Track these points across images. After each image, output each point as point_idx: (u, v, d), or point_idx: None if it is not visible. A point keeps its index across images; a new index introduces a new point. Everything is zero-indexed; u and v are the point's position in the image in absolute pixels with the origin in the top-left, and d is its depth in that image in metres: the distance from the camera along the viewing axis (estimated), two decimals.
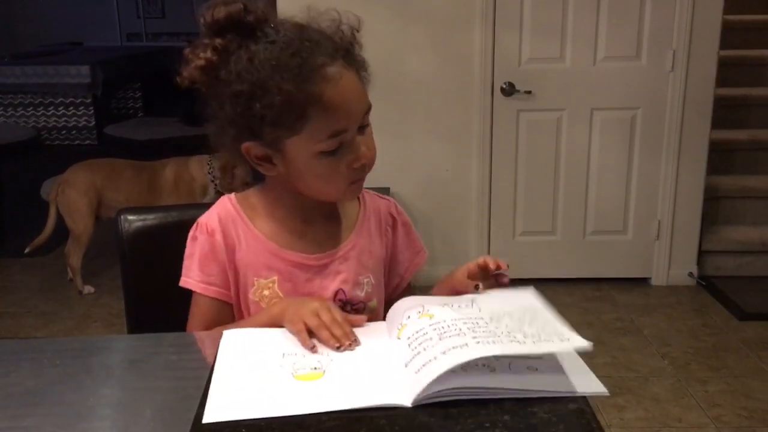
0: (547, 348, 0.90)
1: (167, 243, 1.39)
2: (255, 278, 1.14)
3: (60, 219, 3.45)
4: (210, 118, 1.09)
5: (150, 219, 1.39)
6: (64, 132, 6.78)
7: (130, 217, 1.38)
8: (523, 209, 3.50)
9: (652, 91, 3.32)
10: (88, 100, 6.69)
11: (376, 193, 1.26)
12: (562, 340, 0.91)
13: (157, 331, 1.04)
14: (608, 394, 0.89)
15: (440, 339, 0.91)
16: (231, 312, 1.15)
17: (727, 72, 3.62)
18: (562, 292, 3.40)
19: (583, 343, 0.91)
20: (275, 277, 1.14)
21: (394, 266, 1.27)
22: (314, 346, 0.96)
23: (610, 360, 2.80)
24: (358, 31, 1.10)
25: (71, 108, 6.72)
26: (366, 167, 1.10)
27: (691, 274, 3.52)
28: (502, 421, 0.83)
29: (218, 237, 1.14)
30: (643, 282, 3.57)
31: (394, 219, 1.25)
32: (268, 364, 0.94)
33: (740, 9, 4.16)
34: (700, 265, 3.54)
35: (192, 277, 1.14)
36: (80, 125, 6.76)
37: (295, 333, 0.99)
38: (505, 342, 0.89)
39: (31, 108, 6.72)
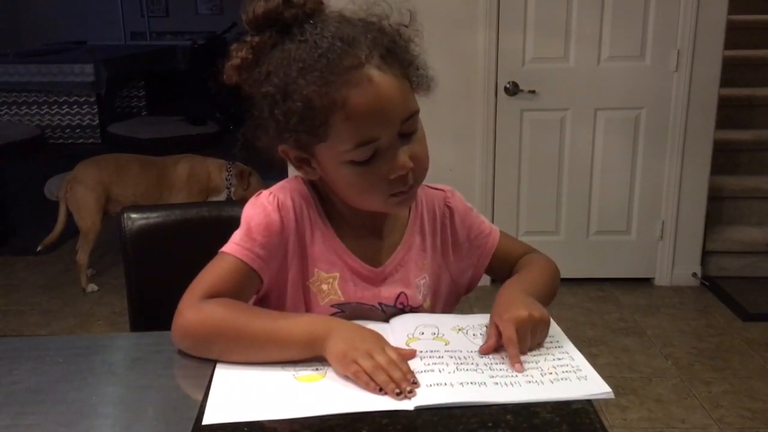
0: (565, 392, 0.88)
1: (170, 241, 1.40)
2: (316, 269, 1.08)
3: (69, 216, 3.46)
4: (249, 118, 1.02)
5: (153, 217, 1.39)
6: (68, 130, 6.80)
7: (133, 216, 1.38)
8: (526, 209, 3.50)
9: (656, 91, 3.32)
10: (92, 99, 6.71)
11: (429, 184, 1.16)
12: (579, 378, 0.91)
13: (159, 330, 1.03)
14: (613, 397, 0.89)
15: (457, 369, 0.91)
16: (253, 286, 1.05)
17: (732, 72, 3.61)
18: (566, 292, 3.40)
19: (599, 388, 0.89)
20: (337, 274, 1.08)
21: (464, 257, 1.19)
22: (382, 389, 0.86)
23: (613, 360, 2.79)
24: (406, 26, 1.02)
25: (75, 106, 6.74)
26: (408, 178, 1.00)
27: (694, 275, 3.52)
28: (504, 421, 0.83)
29: (290, 214, 1.06)
30: (646, 282, 3.56)
31: (450, 209, 1.18)
32: (269, 365, 0.94)
33: (745, 9, 4.15)
34: (703, 266, 3.53)
35: (236, 241, 1.04)
36: (84, 124, 6.78)
37: (353, 377, 0.89)
38: (523, 383, 0.89)
39: (35, 106, 6.74)
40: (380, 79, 0.95)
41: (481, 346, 0.97)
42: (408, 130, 0.98)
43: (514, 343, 0.94)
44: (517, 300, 1.01)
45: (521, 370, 0.92)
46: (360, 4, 1.01)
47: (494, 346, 0.96)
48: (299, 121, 0.96)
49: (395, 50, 0.99)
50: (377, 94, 0.94)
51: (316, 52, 0.94)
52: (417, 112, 0.99)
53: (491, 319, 1.00)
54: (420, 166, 1.01)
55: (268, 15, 0.98)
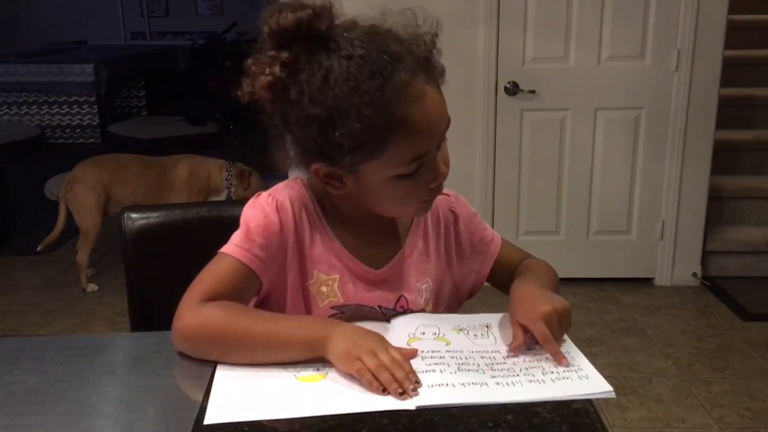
0: (566, 391, 0.88)
1: (171, 241, 1.40)
2: (315, 271, 1.07)
3: (69, 216, 3.47)
4: (270, 131, 0.99)
5: (153, 217, 1.39)
6: (68, 130, 6.81)
7: (134, 216, 1.38)
8: (526, 209, 3.50)
9: (656, 91, 3.32)
10: (92, 99, 6.72)
11: None
12: (581, 378, 0.91)
13: (160, 330, 1.03)
14: (614, 396, 0.89)
15: (458, 369, 0.92)
16: (253, 288, 1.04)
17: (732, 72, 3.61)
18: (566, 292, 3.36)
19: (600, 388, 0.89)
20: (336, 276, 1.08)
21: (466, 263, 1.19)
22: (385, 389, 0.86)
23: (613, 360, 2.79)
24: (437, 36, 1.01)
25: (75, 106, 6.74)
26: (441, 185, 1.02)
27: (694, 275, 3.52)
28: (505, 421, 0.83)
29: (288, 216, 1.05)
30: (646, 282, 3.56)
31: (455, 214, 1.17)
32: (271, 365, 0.94)
33: (745, 9, 4.15)
34: (704, 266, 3.53)
35: (235, 242, 1.03)
36: (84, 124, 6.79)
37: (357, 375, 0.89)
38: (525, 383, 0.89)
39: (36, 106, 6.74)
40: (430, 92, 0.95)
41: (510, 345, 0.97)
42: (443, 137, 1.00)
43: (551, 340, 0.95)
44: (537, 296, 1.01)
45: (568, 363, 0.93)
46: (385, 16, 0.98)
47: (522, 343, 0.97)
48: (357, 144, 0.93)
49: (433, 61, 0.99)
50: (431, 107, 0.95)
51: (368, 68, 0.91)
52: (450, 120, 1.00)
53: (513, 318, 1.00)
54: (448, 170, 1.03)
55: (298, 28, 0.92)
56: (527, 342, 0.97)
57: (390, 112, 0.91)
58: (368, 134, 0.92)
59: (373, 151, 0.94)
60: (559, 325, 0.98)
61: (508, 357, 0.96)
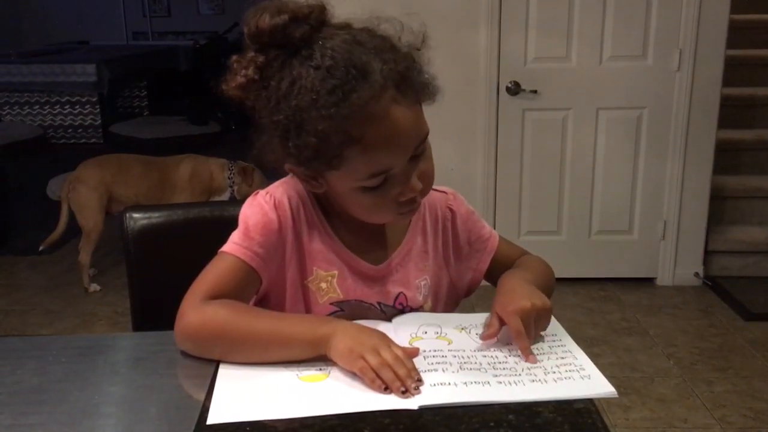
0: (568, 391, 0.88)
1: (173, 241, 1.40)
2: (314, 268, 1.08)
3: (71, 216, 3.47)
4: (256, 132, 0.99)
5: (155, 217, 1.39)
6: (70, 130, 6.81)
7: (136, 215, 1.38)
8: (528, 209, 3.50)
9: (658, 91, 3.31)
10: (94, 99, 6.72)
11: (433, 187, 1.13)
12: (583, 378, 0.91)
13: (162, 330, 1.03)
14: (617, 396, 0.89)
15: (460, 368, 0.92)
16: (254, 286, 1.05)
17: (734, 72, 3.61)
18: (568, 291, 3.40)
19: (602, 388, 0.90)
20: (335, 272, 1.08)
21: (463, 260, 1.19)
22: (386, 387, 0.86)
23: (615, 360, 2.79)
24: (419, 50, 0.98)
25: (77, 106, 6.75)
26: (417, 198, 1.00)
27: (696, 274, 3.51)
28: (507, 421, 0.83)
29: (286, 213, 1.06)
30: (648, 282, 3.56)
31: (452, 212, 1.18)
32: (273, 365, 0.94)
33: (747, 8, 4.15)
34: (705, 265, 3.53)
35: (234, 241, 1.04)
36: (86, 124, 6.79)
37: (360, 373, 0.89)
38: (527, 382, 0.89)
39: (38, 106, 6.75)
40: (396, 111, 0.92)
41: (482, 334, 0.99)
42: (419, 152, 0.98)
43: (523, 335, 0.95)
44: (519, 290, 1.02)
45: (535, 361, 0.94)
46: (367, 11, 0.97)
47: (496, 333, 0.98)
48: (313, 155, 0.93)
49: (410, 76, 0.95)
50: (394, 127, 0.92)
51: (330, 82, 0.90)
52: (428, 133, 0.99)
53: (493, 309, 1.01)
54: (428, 183, 1.02)
55: (274, 32, 0.92)
56: (504, 335, 0.98)
57: (345, 129, 0.90)
58: (323, 147, 0.92)
59: (330, 162, 0.94)
60: (536, 323, 0.98)
61: (509, 356, 0.96)
